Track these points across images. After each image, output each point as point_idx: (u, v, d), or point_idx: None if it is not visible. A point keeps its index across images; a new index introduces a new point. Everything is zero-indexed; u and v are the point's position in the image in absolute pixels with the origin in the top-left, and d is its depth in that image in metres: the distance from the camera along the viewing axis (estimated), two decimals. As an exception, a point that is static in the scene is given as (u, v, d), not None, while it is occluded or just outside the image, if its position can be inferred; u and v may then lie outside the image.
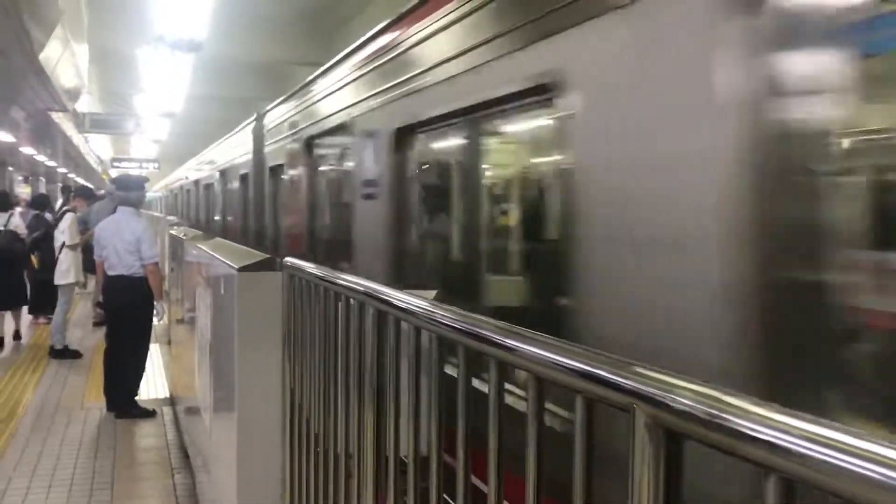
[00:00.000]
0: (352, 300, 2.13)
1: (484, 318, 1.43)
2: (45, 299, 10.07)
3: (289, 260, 2.92)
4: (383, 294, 1.90)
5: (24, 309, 10.31)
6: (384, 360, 1.90)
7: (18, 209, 11.95)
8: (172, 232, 7.28)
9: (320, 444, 2.44)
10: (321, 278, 2.45)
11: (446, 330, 1.52)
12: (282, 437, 2.95)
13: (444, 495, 1.58)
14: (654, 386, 0.92)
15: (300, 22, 17.67)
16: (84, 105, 16.10)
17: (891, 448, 0.65)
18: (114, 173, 26.90)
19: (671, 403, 0.87)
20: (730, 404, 0.81)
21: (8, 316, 9.93)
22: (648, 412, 0.91)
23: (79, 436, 6.23)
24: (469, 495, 1.44)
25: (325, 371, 2.38)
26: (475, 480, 1.45)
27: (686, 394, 0.86)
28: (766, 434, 0.74)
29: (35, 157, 22.85)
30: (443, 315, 1.55)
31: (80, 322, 11.24)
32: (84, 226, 9.88)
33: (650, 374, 0.95)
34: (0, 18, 5.39)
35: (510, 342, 1.26)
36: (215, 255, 3.94)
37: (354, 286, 2.12)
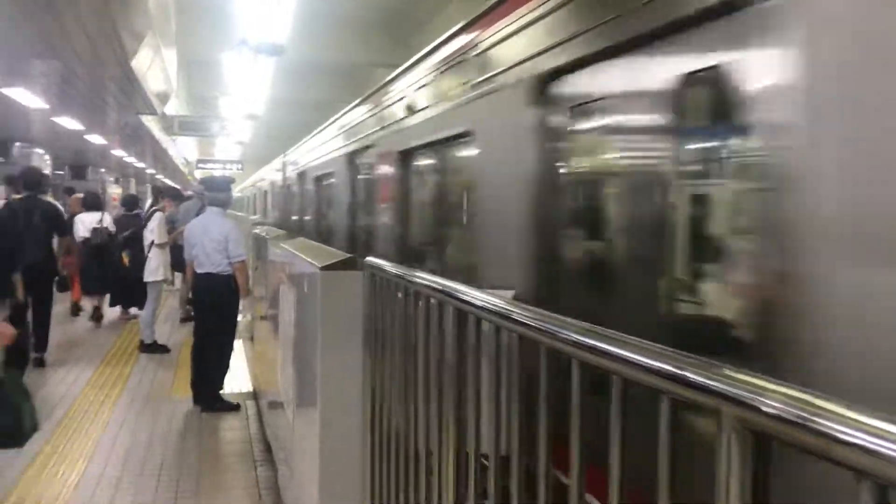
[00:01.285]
0: (431, 299, 2.16)
1: (566, 318, 1.43)
2: (132, 296, 10.68)
3: (370, 259, 2.98)
4: (462, 293, 1.93)
5: (107, 297, 11.50)
6: (464, 359, 1.92)
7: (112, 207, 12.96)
8: (256, 231, 7.48)
9: (401, 441, 2.48)
10: (401, 277, 2.49)
11: (527, 329, 1.53)
12: (363, 433, 3.01)
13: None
14: (742, 388, 0.91)
15: (379, 25, 17.89)
16: (172, 108, 16.69)
17: None
18: (199, 174, 27.78)
19: (760, 406, 0.87)
20: (822, 408, 0.80)
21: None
22: (736, 415, 0.91)
23: (167, 427, 6.47)
24: (550, 495, 1.45)
25: (406, 369, 2.42)
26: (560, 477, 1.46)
27: (776, 397, 0.85)
28: (860, 438, 0.73)
29: (125, 158, 23.78)
30: (523, 314, 1.56)
31: (168, 318, 11.65)
32: (172, 225, 10.26)
33: (738, 376, 0.94)
34: (94, 28, 5.64)
35: (593, 343, 1.26)
36: (298, 253, 4.04)
37: (433, 285, 2.15)
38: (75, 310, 11.85)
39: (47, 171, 14.89)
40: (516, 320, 1.58)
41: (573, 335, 1.33)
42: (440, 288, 2.10)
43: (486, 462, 1.78)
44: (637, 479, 1.23)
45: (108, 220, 11.20)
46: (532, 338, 1.50)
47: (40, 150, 17.06)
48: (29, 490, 5.00)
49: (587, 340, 1.28)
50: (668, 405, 1.06)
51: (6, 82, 8.29)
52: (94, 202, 11.40)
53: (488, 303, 1.76)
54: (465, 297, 1.91)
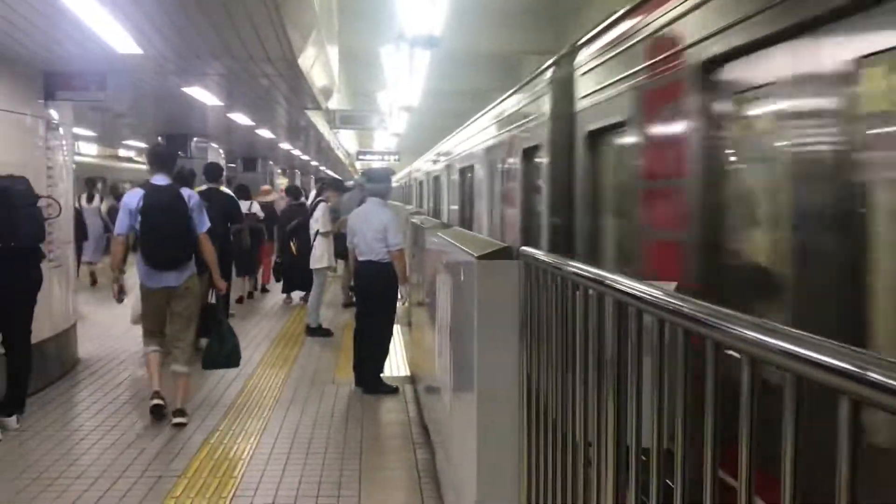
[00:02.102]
0: (590, 290, 2.14)
1: (735, 312, 1.38)
2: (301, 282, 11.31)
3: (525, 249, 2.99)
4: (622, 284, 1.90)
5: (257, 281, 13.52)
6: (624, 351, 1.89)
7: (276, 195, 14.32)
8: (414, 220, 7.68)
9: (558, 431, 2.48)
10: (556, 267, 2.48)
11: (693, 324, 1.48)
12: (519, 421, 3.04)
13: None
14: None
15: (532, 11, 17.81)
16: (334, 103, 17.38)
17: None
18: (359, 165, 28.79)
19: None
20: None
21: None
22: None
23: (331, 408, 6.79)
24: (717, 494, 1.41)
25: (563, 359, 2.41)
26: (724, 477, 1.41)
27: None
28: None
29: (292, 151, 25.00)
30: (689, 308, 1.51)
31: (332, 303, 12.18)
32: (335, 215, 10.72)
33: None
34: (265, 24, 5.97)
35: (765, 339, 1.21)
36: (455, 243, 4.12)
37: (590, 275, 2.13)
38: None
39: (221, 162, 15.90)
40: (681, 313, 1.53)
41: (741, 329, 1.28)
42: (597, 278, 2.07)
43: (645, 457, 1.75)
44: (812, 487, 1.17)
45: (256, 208, 12.76)
46: (697, 332, 1.46)
47: (215, 145, 18.27)
48: (207, 463, 5.40)
49: (755, 335, 1.22)
50: (848, 406, 1.00)
51: (186, 82, 8.93)
52: (243, 192, 12.62)
53: (650, 294, 1.72)
54: (624, 289, 1.87)
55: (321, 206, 10.46)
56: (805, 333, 1.15)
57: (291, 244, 11.23)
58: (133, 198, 6.20)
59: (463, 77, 23.36)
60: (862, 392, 0.97)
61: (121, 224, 6.19)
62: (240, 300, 12.35)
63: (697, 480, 1.45)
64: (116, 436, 5.95)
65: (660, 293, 1.68)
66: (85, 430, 6.12)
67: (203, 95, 9.74)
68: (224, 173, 11.66)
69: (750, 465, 1.27)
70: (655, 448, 1.65)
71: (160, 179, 6.27)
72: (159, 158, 6.46)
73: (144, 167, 13.14)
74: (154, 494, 4.84)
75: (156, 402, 6.25)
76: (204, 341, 7.08)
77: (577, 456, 2.26)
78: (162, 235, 6.12)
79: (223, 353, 6.75)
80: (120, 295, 6.39)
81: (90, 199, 15.25)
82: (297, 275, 11.15)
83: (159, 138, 15.67)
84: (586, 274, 2.17)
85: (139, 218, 6.09)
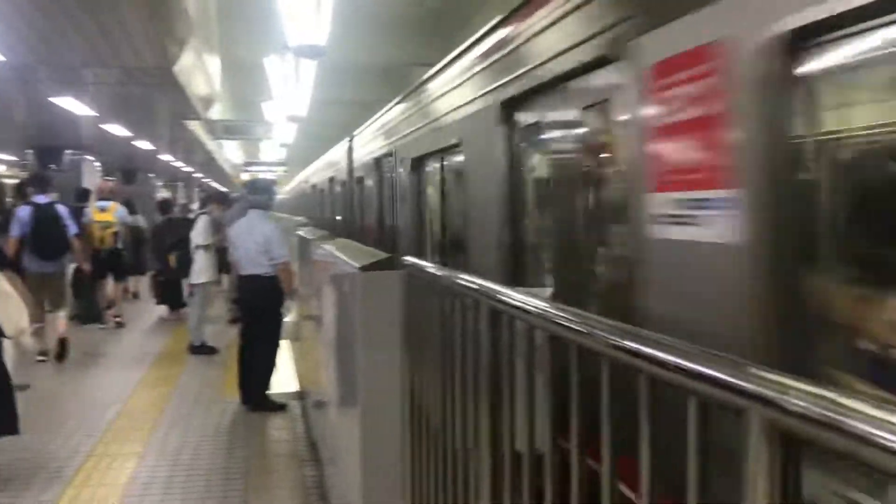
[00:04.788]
0: (467, 298, 2.17)
1: (599, 318, 1.42)
2: (175, 295, 11.72)
3: (407, 259, 2.99)
4: (497, 292, 1.93)
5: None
6: (499, 359, 1.92)
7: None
8: (300, 233, 7.56)
9: (440, 440, 2.49)
10: (437, 276, 2.50)
11: (560, 329, 1.52)
12: (402, 431, 3.03)
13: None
14: (770, 388, 0.89)
15: (418, 24, 17.92)
16: (217, 113, 16.95)
17: None
18: (245, 177, 28.18)
19: (787, 406, 0.85)
20: (847, 407, 0.78)
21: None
22: (764, 415, 0.89)
23: (215, 427, 6.58)
24: (584, 491, 1.45)
25: (444, 368, 2.43)
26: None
27: (802, 396, 0.84)
28: (886, 438, 0.72)
29: (173, 163, 24.23)
30: (556, 314, 1.55)
31: (215, 320, 11.84)
32: (217, 228, 10.43)
33: (767, 375, 0.92)
34: (138, 33, 5.76)
35: (624, 343, 1.25)
36: (339, 254, 4.08)
37: (469, 284, 2.16)
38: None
39: (97, 176, 15.26)
40: (548, 319, 1.57)
41: (602, 334, 1.32)
42: (476, 287, 2.10)
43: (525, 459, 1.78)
44: (667, 469, 1.21)
45: (140, 222, 13.33)
46: (563, 337, 1.49)
47: (90, 157, 17.47)
48: (80, 491, 5.13)
49: (616, 339, 1.27)
50: (696, 406, 1.05)
51: (56, 91, 8.52)
52: (131, 207, 12.78)
53: (521, 302, 1.76)
54: (499, 297, 1.91)
55: (202, 218, 10.15)
56: (663, 337, 1.20)
57: (170, 258, 10.86)
58: (24, 212, 8.77)
59: (352, 87, 23.23)
60: (708, 391, 1.01)
61: (13, 230, 8.71)
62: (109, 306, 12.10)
63: (567, 480, 1.48)
64: (-20, 467, 5.58)
65: (529, 299, 1.72)
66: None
67: (74, 106, 9.31)
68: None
69: (612, 460, 1.31)
70: (528, 451, 1.68)
71: (41, 198, 8.84)
72: (40, 182, 9.11)
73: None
74: (22, 527, 4.56)
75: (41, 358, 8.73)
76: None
77: (458, 463, 2.28)
78: (46, 237, 8.78)
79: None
80: None
81: None
82: (169, 288, 10.99)
83: (29, 151, 14.87)
84: (464, 283, 2.20)
85: (31, 225, 8.66)
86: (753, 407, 0.90)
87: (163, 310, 12.45)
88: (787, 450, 0.88)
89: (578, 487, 1.45)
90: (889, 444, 0.71)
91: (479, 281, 2.11)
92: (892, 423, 0.72)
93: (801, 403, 0.83)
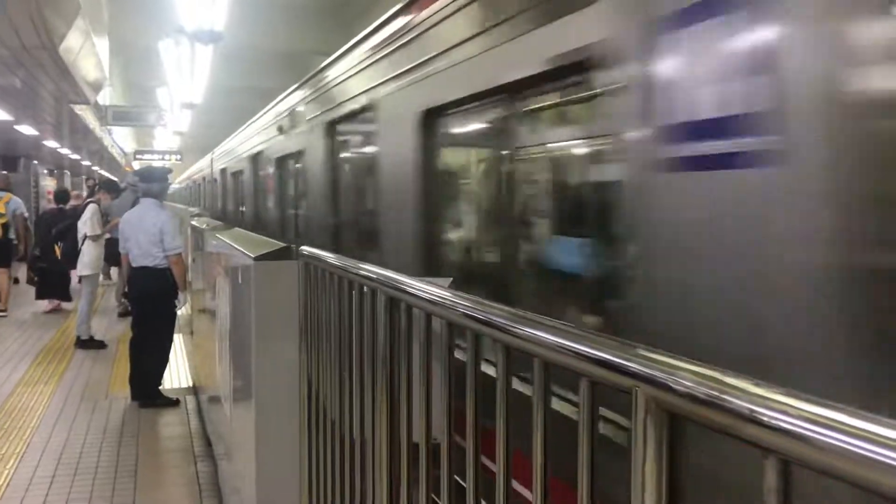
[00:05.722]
0: (365, 287, 2.14)
1: (495, 304, 1.42)
2: (58, 288, 11.26)
3: (305, 249, 2.93)
4: (395, 280, 1.91)
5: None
6: (396, 347, 1.90)
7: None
8: (194, 223, 7.33)
9: (336, 431, 2.45)
10: (336, 266, 2.46)
11: (456, 315, 1.51)
12: (299, 424, 2.98)
13: (457, 478, 1.58)
14: (656, 368, 0.91)
15: (320, 11, 17.68)
16: (106, 98, 16.23)
17: (889, 427, 0.64)
18: (136, 165, 27.14)
19: (673, 385, 0.87)
20: (730, 385, 0.80)
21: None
22: (650, 394, 0.90)
23: (103, 425, 6.32)
24: (480, 480, 1.45)
25: (341, 359, 2.39)
26: (486, 462, 1.45)
27: (687, 375, 0.85)
28: (765, 415, 0.74)
29: (59, 150, 23.08)
30: (453, 301, 1.55)
31: (105, 313, 11.38)
32: (107, 217, 10.00)
33: (653, 356, 0.94)
34: (19, 11, 5.44)
35: (518, 327, 1.25)
36: (234, 244, 3.97)
37: (367, 273, 2.13)
38: None
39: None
40: (445, 306, 1.56)
41: (498, 319, 1.32)
42: (374, 276, 2.07)
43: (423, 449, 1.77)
44: (563, 464, 1.22)
45: (21, 209, 12.29)
46: (460, 324, 1.49)
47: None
48: (-44, 493, 4.83)
49: (508, 324, 1.27)
50: (587, 386, 1.06)
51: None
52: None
53: (419, 290, 1.74)
54: (397, 285, 1.88)
55: (90, 207, 9.71)
56: (552, 320, 1.21)
57: (56, 247, 10.34)
58: None
59: (251, 74, 22.69)
60: (597, 373, 1.02)
61: None
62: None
63: (463, 470, 1.48)
64: None
65: (427, 287, 1.71)
66: None
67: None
68: None
69: (507, 446, 1.31)
70: (424, 441, 1.67)
71: None
72: None
73: None
74: None
75: None
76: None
77: (355, 455, 2.25)
78: None
79: None
80: None
81: None
82: (54, 280, 10.46)
83: None
84: (361, 271, 2.17)
85: None
86: (641, 387, 0.91)
87: (44, 303, 11.82)
88: (673, 429, 0.89)
89: (475, 476, 1.44)
90: (768, 420, 0.73)
91: (378, 269, 2.09)
92: (774, 401, 0.74)
93: (687, 383, 0.85)
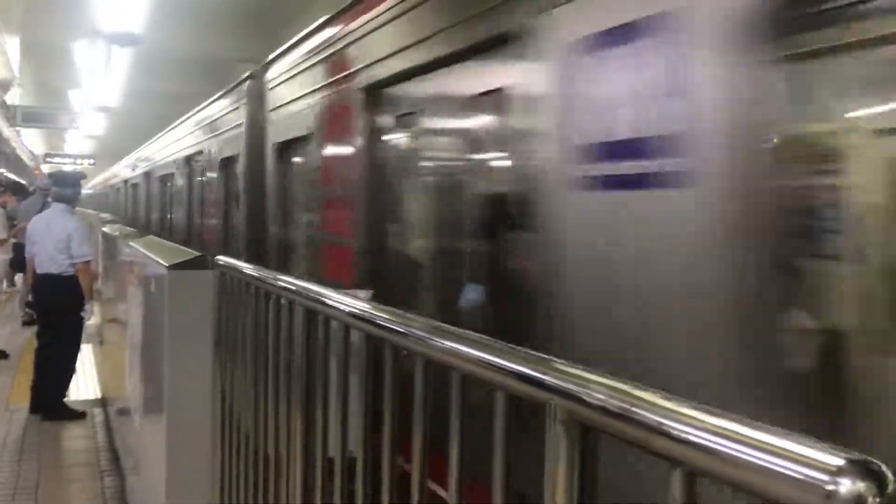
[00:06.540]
0: (283, 299, 2.11)
1: (414, 316, 1.42)
2: None
3: (221, 258, 2.88)
4: (314, 293, 1.89)
5: None
6: (313, 360, 1.88)
7: None
8: (105, 230, 7.09)
9: (251, 445, 2.40)
10: (253, 276, 2.42)
11: (374, 328, 1.51)
12: (212, 437, 2.90)
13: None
14: (570, 381, 0.92)
15: (242, 19, 17.40)
16: (15, 98, 15.60)
17: (789, 440, 0.67)
18: (46, 169, 26.11)
19: (586, 398, 0.88)
20: (640, 398, 0.82)
21: None
22: (565, 407, 0.92)
23: (2, 438, 6.02)
24: (395, 496, 1.44)
25: (256, 371, 2.35)
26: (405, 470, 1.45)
27: (600, 388, 0.87)
28: (674, 428, 0.76)
29: (-38, 150, 22.04)
30: (372, 313, 1.54)
31: (8, 321, 10.88)
32: (12, 222, 9.60)
33: (568, 370, 0.95)
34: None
35: (437, 340, 1.26)
36: (147, 252, 3.86)
37: (285, 284, 2.10)
38: None
39: None
40: (363, 318, 1.55)
41: (417, 332, 1.33)
42: (292, 287, 2.05)
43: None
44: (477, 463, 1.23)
45: None
46: (378, 336, 1.48)
47: None
48: None
49: (427, 336, 1.27)
50: (503, 399, 1.07)
51: None
52: None
53: (338, 302, 1.73)
54: (315, 297, 1.87)
55: (-5, 211, 9.31)
56: (473, 333, 1.21)
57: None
58: None
59: (170, 79, 22.14)
60: (514, 386, 1.03)
61: None
62: None
63: (378, 482, 1.47)
64: None
65: (346, 299, 1.69)
66: None
67: None
68: None
69: (424, 453, 1.31)
70: (339, 457, 1.65)
71: None
72: None
73: None
74: None
75: None
76: None
77: (269, 469, 2.21)
78: None
79: None
80: None
81: None
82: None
83: None
84: (279, 282, 2.14)
85: None
86: (554, 399, 0.93)
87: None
88: (586, 441, 0.91)
89: (390, 488, 1.44)
90: (676, 434, 0.75)
91: (296, 281, 2.06)
92: (682, 414, 0.76)
93: (600, 396, 0.86)
